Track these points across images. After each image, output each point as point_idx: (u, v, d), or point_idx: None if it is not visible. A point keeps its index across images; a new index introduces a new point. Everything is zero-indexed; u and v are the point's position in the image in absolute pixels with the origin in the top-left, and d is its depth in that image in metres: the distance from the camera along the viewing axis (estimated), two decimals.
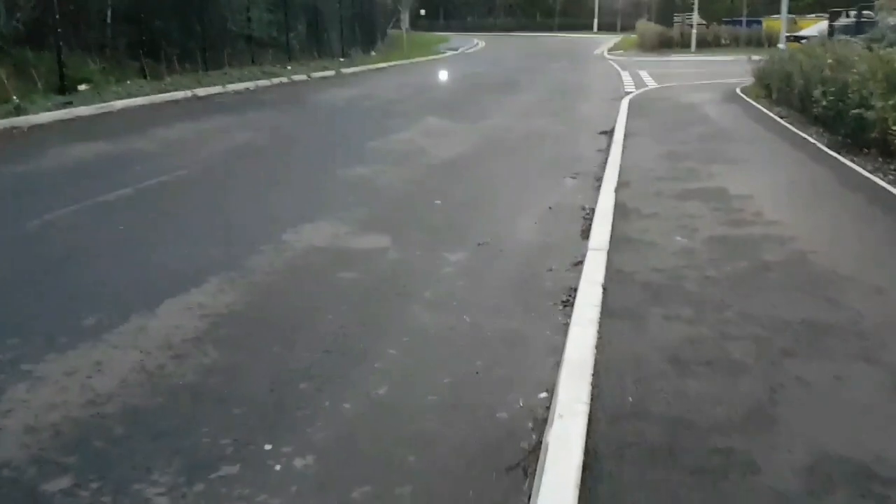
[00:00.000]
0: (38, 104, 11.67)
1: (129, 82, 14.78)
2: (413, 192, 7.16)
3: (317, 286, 4.50)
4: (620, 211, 5.83)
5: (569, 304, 4.03)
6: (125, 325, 3.85)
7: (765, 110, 12.07)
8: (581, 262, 4.68)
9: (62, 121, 11.28)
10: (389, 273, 4.74)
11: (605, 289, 4.00)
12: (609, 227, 5.27)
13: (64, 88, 13.18)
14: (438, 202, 6.68)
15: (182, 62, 17.30)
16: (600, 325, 3.60)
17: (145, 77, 15.67)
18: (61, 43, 13.15)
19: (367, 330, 3.84)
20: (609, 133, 10.65)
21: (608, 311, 3.79)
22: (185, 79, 16.14)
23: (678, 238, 5.05)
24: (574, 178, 7.80)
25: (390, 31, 38.96)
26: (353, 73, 22.43)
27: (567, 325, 3.72)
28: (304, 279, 4.64)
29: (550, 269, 4.73)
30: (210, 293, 4.30)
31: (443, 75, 23.23)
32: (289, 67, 20.23)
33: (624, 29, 56.75)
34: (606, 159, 8.50)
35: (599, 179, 7.43)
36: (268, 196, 6.89)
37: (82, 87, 13.53)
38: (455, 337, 3.76)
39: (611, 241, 4.92)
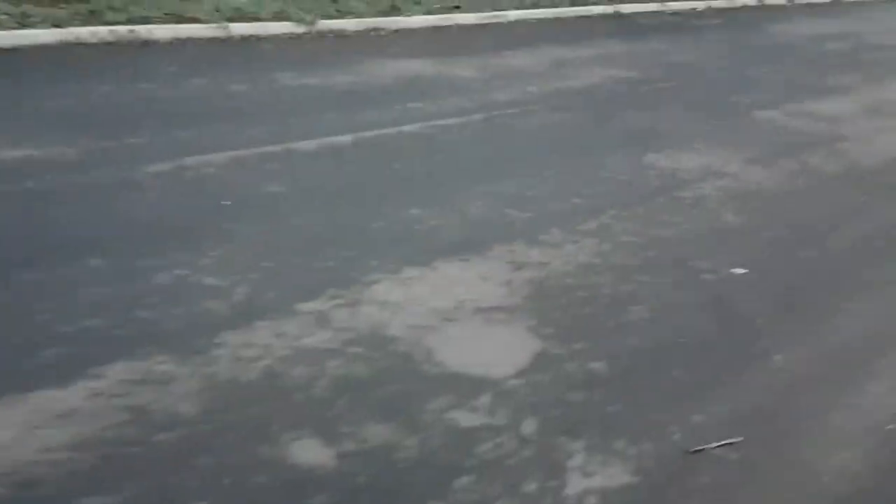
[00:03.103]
0: (424, 5, 10.70)
1: None
2: (726, 237, 4.04)
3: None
4: None
5: None
6: None
7: None
8: None
9: (436, 28, 10.13)
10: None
11: None
12: None
13: None
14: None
15: None
16: None
17: None
18: None
19: None
20: None
21: None
22: None
23: None
24: None
25: None
26: (860, 2, 17.01)
27: None
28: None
29: None
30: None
31: None
32: None
33: None
34: None
35: None
36: (472, 185, 4.54)
37: None
38: None
39: None
